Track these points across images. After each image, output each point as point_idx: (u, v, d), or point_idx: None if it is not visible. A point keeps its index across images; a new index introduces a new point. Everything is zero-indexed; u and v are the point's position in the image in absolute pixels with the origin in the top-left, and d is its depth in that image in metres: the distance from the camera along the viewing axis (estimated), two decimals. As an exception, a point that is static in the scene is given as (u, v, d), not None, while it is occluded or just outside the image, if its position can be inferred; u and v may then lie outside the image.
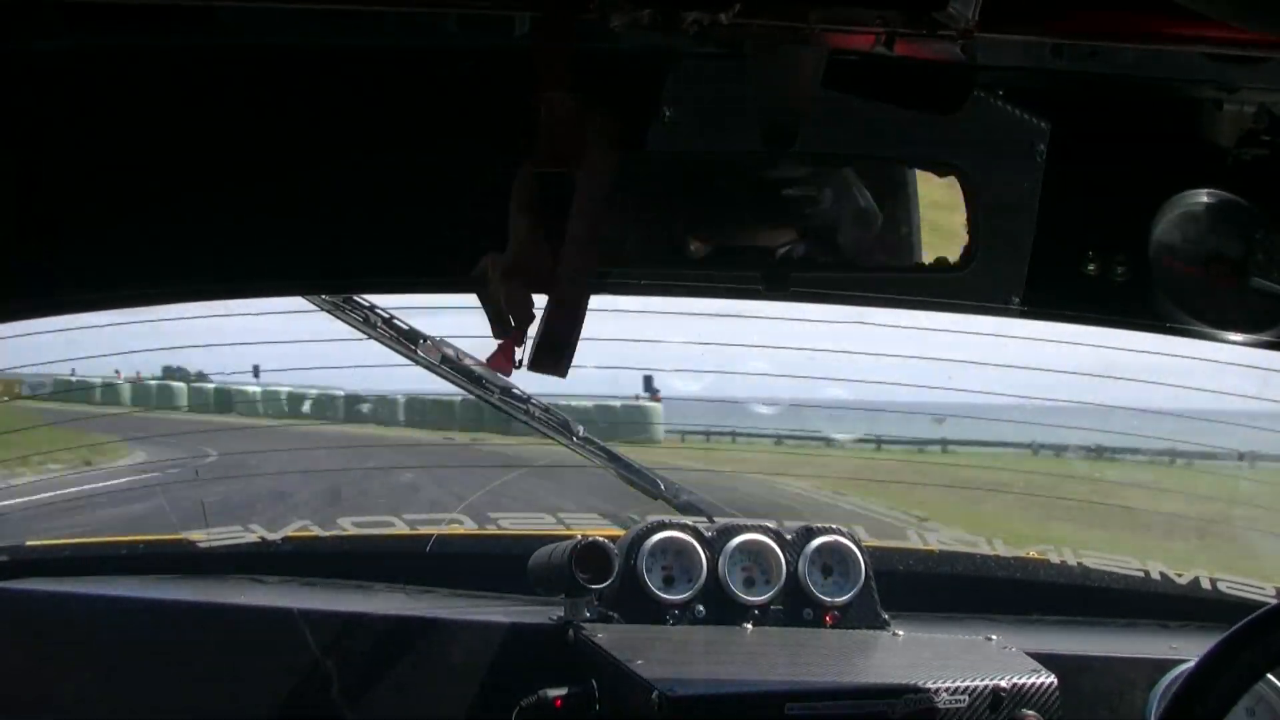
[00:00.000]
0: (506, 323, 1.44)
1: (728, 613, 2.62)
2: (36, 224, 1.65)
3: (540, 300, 1.42)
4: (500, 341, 1.45)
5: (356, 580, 2.90)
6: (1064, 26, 1.36)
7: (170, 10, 1.44)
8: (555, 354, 1.40)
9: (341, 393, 14.01)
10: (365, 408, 14.77)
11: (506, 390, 2.90)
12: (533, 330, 1.43)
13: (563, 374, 1.41)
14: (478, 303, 1.50)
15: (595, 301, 1.47)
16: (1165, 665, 2.60)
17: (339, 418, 14.00)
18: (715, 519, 2.78)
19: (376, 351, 2.76)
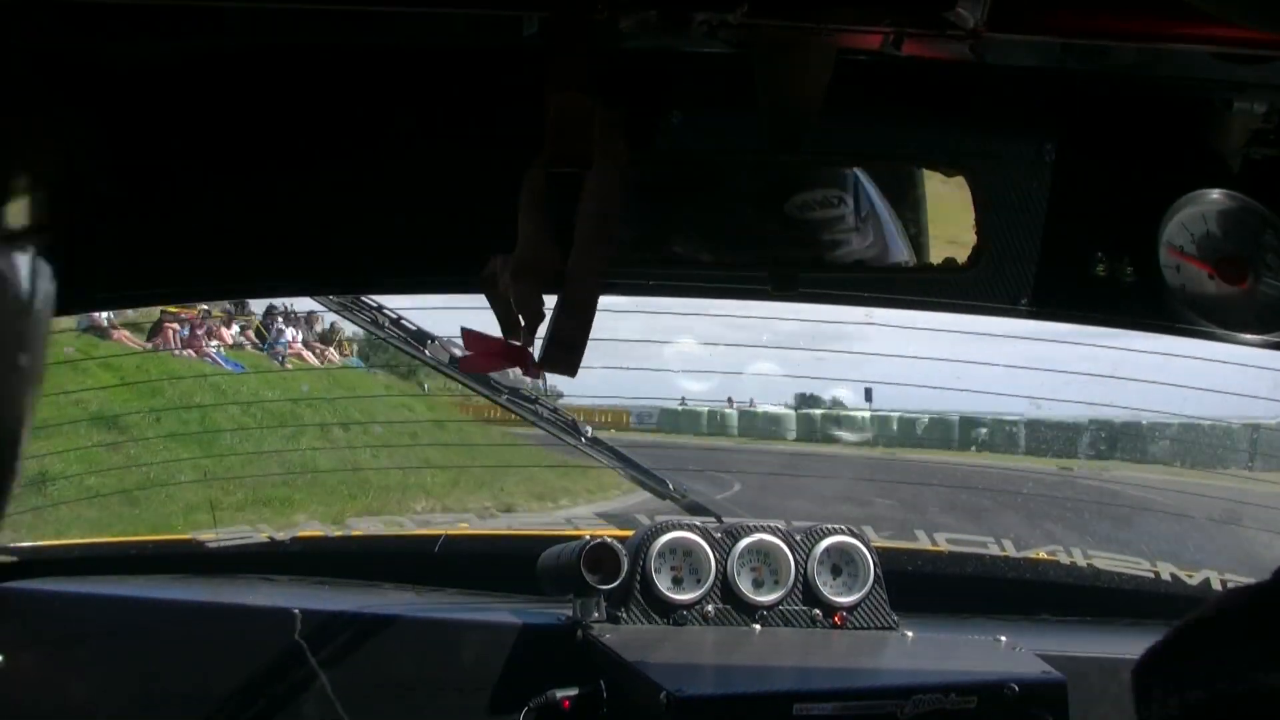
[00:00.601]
0: (516, 323, 1.44)
1: (736, 613, 2.62)
2: None
3: (549, 300, 1.42)
4: (514, 344, 1.45)
5: (366, 580, 2.90)
6: (1072, 26, 1.36)
7: (176, 10, 1.44)
8: (566, 353, 1.41)
9: (957, 417, 12.77)
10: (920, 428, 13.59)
11: (515, 391, 2.90)
12: (542, 329, 1.44)
13: (572, 373, 1.41)
14: (485, 303, 1.50)
15: (610, 302, 1.47)
16: None
17: (953, 444, 12.72)
18: (724, 519, 2.78)
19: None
